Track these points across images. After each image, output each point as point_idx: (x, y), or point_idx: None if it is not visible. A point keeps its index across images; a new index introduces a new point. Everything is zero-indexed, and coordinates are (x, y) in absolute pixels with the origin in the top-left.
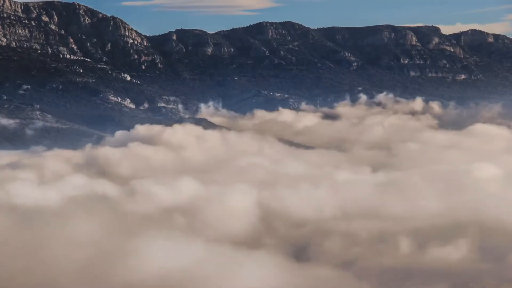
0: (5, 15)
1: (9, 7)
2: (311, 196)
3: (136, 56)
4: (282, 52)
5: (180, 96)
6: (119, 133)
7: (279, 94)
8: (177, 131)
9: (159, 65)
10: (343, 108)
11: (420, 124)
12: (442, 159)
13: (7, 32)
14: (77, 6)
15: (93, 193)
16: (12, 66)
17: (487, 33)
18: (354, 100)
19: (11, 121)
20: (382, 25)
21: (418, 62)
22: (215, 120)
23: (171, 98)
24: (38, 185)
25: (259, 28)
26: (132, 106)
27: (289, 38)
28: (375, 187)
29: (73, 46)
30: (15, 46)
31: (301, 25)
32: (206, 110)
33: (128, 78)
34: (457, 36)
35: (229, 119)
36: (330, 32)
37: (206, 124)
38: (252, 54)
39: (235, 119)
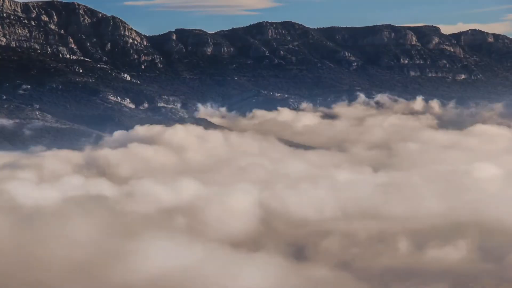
0: (4, 15)
1: (9, 7)
2: (311, 196)
3: (135, 56)
4: (282, 52)
5: (180, 96)
6: (119, 133)
7: (279, 94)
8: (177, 131)
9: (159, 65)
10: (343, 108)
11: (420, 124)
12: (442, 159)
13: (6, 32)
14: (76, 6)
15: (92, 194)
16: (11, 66)
17: (487, 33)
18: (354, 100)
19: (10, 121)
20: (382, 25)
21: (418, 62)
22: (215, 120)
23: (171, 98)
24: (37, 185)
25: (259, 28)
26: (132, 106)
27: (289, 38)
28: (375, 187)
29: (72, 46)
30: (14, 46)
31: (301, 25)
32: (205, 110)
33: (128, 78)
34: (457, 36)
35: (229, 119)
36: (330, 32)
37: (206, 124)
38: (252, 54)
39: (235, 119)
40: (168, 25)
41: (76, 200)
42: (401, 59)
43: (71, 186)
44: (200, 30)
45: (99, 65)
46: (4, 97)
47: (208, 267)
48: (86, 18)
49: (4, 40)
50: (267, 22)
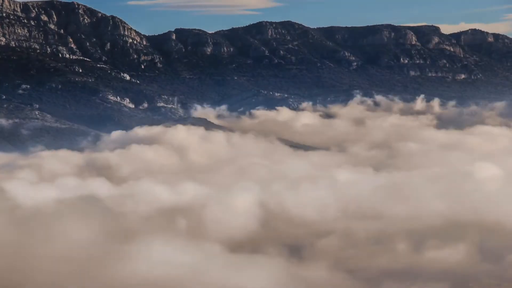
0: (4, 14)
1: (8, 7)
2: (311, 197)
3: (135, 56)
4: (281, 52)
5: (179, 95)
6: (118, 133)
7: (278, 94)
8: (177, 131)
9: (159, 64)
10: (342, 107)
11: (420, 124)
12: (442, 159)
13: (6, 32)
14: (76, 6)
15: (91, 194)
16: (11, 65)
17: (487, 33)
18: (353, 100)
19: (10, 121)
20: (382, 25)
21: (418, 61)
22: (215, 120)
23: (171, 98)
24: (36, 186)
25: (258, 28)
26: (132, 105)
27: (288, 37)
28: (376, 188)
29: (72, 45)
30: (14, 45)
31: (301, 24)
32: (205, 110)
33: (128, 77)
34: (457, 36)
35: (228, 118)
36: (329, 32)
37: (206, 124)
38: (252, 53)
39: (234, 118)
40: (167, 25)
41: (75, 201)
42: (401, 59)
43: (70, 186)
44: (199, 30)
45: (98, 65)
46: (4, 97)
47: (208, 269)
48: (86, 18)
49: (4, 40)
50: (266, 22)
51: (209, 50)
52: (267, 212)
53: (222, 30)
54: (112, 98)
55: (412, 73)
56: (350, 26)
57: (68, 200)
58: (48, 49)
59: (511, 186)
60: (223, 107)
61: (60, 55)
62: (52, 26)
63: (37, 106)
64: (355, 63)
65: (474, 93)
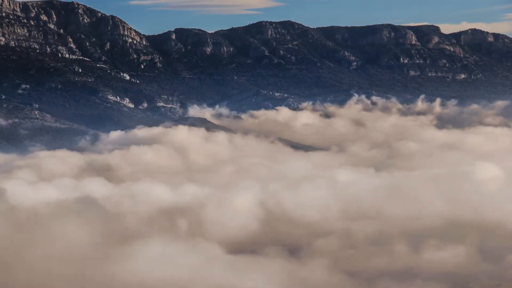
0: (3, 14)
1: (8, 6)
2: (311, 197)
3: (135, 56)
4: (281, 52)
5: (179, 95)
6: (118, 133)
7: (278, 94)
8: (176, 132)
9: (158, 64)
10: (342, 107)
11: (420, 123)
12: (442, 159)
13: (5, 32)
14: (76, 6)
15: (91, 194)
16: (11, 65)
17: (487, 33)
18: (353, 100)
19: (9, 121)
20: (382, 25)
21: (418, 61)
22: (214, 119)
23: (170, 98)
24: (35, 186)
25: (258, 28)
26: (131, 105)
27: (288, 37)
28: (376, 188)
29: (72, 45)
30: (14, 45)
31: (301, 24)
32: (205, 110)
33: (127, 77)
34: (457, 36)
35: (228, 118)
36: (329, 32)
37: (205, 124)
38: (252, 53)
39: (234, 118)
40: (167, 24)
41: (74, 201)
42: (401, 59)
43: (69, 186)
44: (199, 30)
45: (98, 65)
46: (3, 96)
47: (208, 270)
48: (86, 17)
49: (3, 39)
50: (266, 21)
51: (209, 50)
52: (267, 212)
53: (222, 30)
54: (111, 98)
55: (412, 73)
56: (350, 26)
57: (67, 201)
58: (48, 49)
59: (511, 187)
60: (223, 107)
61: (59, 55)
62: (52, 26)
63: (37, 106)
64: (355, 63)
65: (474, 93)
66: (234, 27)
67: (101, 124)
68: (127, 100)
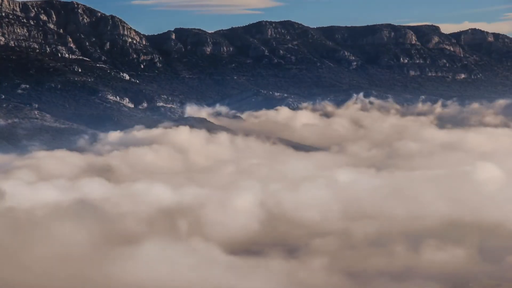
0: (3, 14)
1: (8, 6)
2: (311, 197)
3: (135, 55)
4: (281, 51)
5: (179, 95)
6: (118, 133)
7: (278, 94)
8: (176, 132)
9: (158, 64)
10: (342, 107)
11: (420, 123)
12: (442, 159)
13: (5, 31)
14: (75, 5)
15: (90, 195)
16: (10, 65)
17: (487, 32)
18: (353, 100)
19: (9, 121)
20: (382, 24)
21: (418, 61)
22: (214, 119)
23: (170, 98)
24: (34, 186)
25: (258, 27)
26: (131, 105)
27: (288, 37)
28: (376, 188)
29: (71, 45)
30: (13, 45)
31: (301, 24)
32: (205, 110)
33: (127, 77)
34: (457, 35)
35: (228, 118)
36: (329, 31)
37: (205, 124)
38: (251, 53)
39: (234, 118)
40: (167, 24)
41: (73, 202)
42: (401, 59)
43: (68, 187)
44: (199, 30)
45: (98, 65)
46: (3, 96)
47: (207, 271)
48: (85, 17)
49: (3, 39)
50: (266, 21)
51: (208, 49)
52: (267, 212)
53: (222, 30)
54: (111, 97)
55: (412, 72)
56: (350, 25)
57: (66, 201)
58: (48, 49)
59: (510, 187)
60: (223, 106)
61: (59, 54)
62: (52, 26)
63: (36, 105)
64: (355, 63)
65: (474, 93)
66: (234, 27)
67: (100, 124)
68: (127, 100)
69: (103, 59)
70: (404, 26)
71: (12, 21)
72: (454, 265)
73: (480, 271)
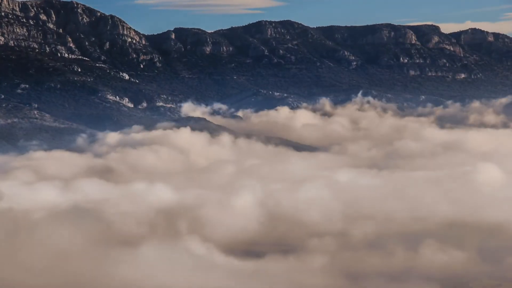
0: (3, 13)
1: (7, 6)
2: (311, 197)
3: (134, 55)
4: (281, 51)
5: (178, 95)
6: (117, 133)
7: (278, 93)
8: (176, 132)
9: (158, 64)
10: (342, 107)
11: (420, 123)
12: (442, 159)
13: (5, 31)
14: (75, 5)
15: (88, 195)
16: (10, 65)
17: (487, 32)
18: (353, 99)
19: (8, 120)
20: (382, 24)
21: (417, 61)
22: (214, 119)
23: (170, 97)
24: (33, 186)
25: (258, 27)
26: (131, 105)
27: (288, 37)
28: (376, 188)
29: (71, 45)
30: (13, 45)
31: (300, 24)
32: (204, 109)
33: (127, 77)
34: (457, 35)
35: (227, 118)
36: (329, 31)
37: (205, 124)
38: (251, 53)
39: (234, 118)
40: (167, 24)
41: (72, 202)
42: (401, 58)
43: (67, 187)
44: (199, 29)
45: (97, 64)
46: (2, 96)
47: (207, 273)
48: (85, 17)
49: (3, 39)
50: (266, 21)
51: (208, 49)
52: (267, 212)
53: (222, 30)
54: (111, 97)
55: (412, 72)
56: (349, 25)
57: (65, 202)
58: (47, 49)
59: (510, 187)
60: (222, 106)
61: (59, 54)
62: (51, 26)
63: (36, 105)
64: (354, 63)
65: (474, 93)
66: (233, 26)
67: (100, 124)
68: (127, 99)
69: (102, 58)
70: (404, 26)
71: (12, 21)
72: (454, 266)
73: (480, 271)
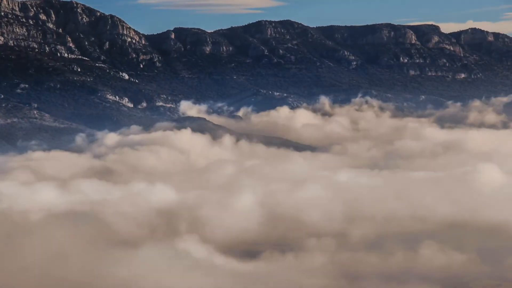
0: (2, 13)
1: (7, 6)
2: (311, 197)
3: (134, 55)
4: (281, 51)
5: (178, 95)
6: (117, 133)
7: (278, 93)
8: (175, 132)
9: (157, 64)
10: (342, 107)
11: (420, 123)
12: (442, 159)
13: (4, 31)
14: (74, 5)
15: (88, 196)
16: (9, 65)
17: (487, 32)
18: (353, 99)
19: (8, 120)
20: (382, 24)
21: (417, 61)
22: (214, 119)
23: (169, 97)
24: (32, 187)
25: (258, 27)
26: (130, 105)
27: (288, 37)
28: (376, 188)
29: (70, 44)
30: (12, 44)
31: (300, 23)
32: (204, 109)
33: (126, 77)
34: (457, 35)
35: (227, 118)
36: (329, 31)
37: (204, 123)
38: (251, 53)
39: (233, 118)
40: (166, 23)
41: (71, 203)
42: (401, 58)
43: (66, 187)
44: (198, 29)
45: (97, 64)
46: (2, 96)
47: (207, 274)
48: (84, 17)
49: (2, 39)
50: (266, 20)
51: (208, 49)
52: (266, 213)
53: (221, 29)
54: (110, 97)
55: (412, 72)
56: (349, 25)
57: (64, 203)
58: (47, 48)
59: (510, 188)
60: (222, 106)
61: (58, 54)
62: (51, 25)
63: (36, 105)
64: (354, 62)
65: (474, 92)
66: (233, 26)
67: (99, 124)
68: (126, 99)
69: (102, 58)
70: (404, 26)
71: (11, 21)
72: (454, 267)
73: (480, 272)
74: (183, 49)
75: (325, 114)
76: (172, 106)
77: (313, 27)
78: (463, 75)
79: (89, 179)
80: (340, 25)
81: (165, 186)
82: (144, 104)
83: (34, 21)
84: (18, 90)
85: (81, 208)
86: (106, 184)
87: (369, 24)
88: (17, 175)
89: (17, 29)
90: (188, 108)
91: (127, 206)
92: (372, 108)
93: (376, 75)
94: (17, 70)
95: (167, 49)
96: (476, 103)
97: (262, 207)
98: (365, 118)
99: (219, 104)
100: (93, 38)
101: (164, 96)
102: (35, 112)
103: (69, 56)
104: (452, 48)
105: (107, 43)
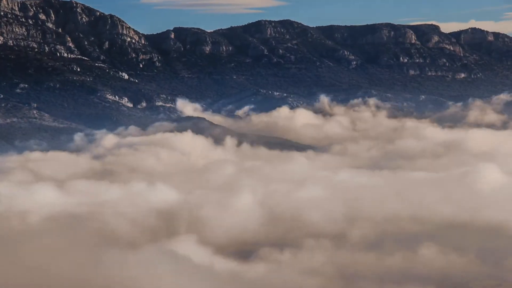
0: (2, 13)
1: (6, 5)
2: (311, 197)
3: (134, 55)
4: (280, 51)
5: (178, 95)
6: (117, 133)
7: (277, 93)
8: (175, 132)
9: (157, 63)
10: (342, 107)
11: (420, 123)
12: (442, 159)
13: (4, 31)
14: (74, 4)
15: (87, 196)
16: (9, 64)
17: (487, 32)
18: (353, 99)
19: (8, 120)
20: (381, 24)
21: (417, 60)
22: (213, 119)
23: (169, 97)
24: (31, 187)
25: (257, 27)
26: (130, 105)
27: (287, 36)
28: (376, 188)
29: (70, 44)
30: (12, 44)
31: (300, 23)
32: (204, 109)
33: (126, 76)
34: (457, 35)
35: (227, 118)
36: (329, 31)
37: (204, 123)
38: (251, 52)
39: (233, 118)
40: (166, 23)
41: (69, 203)
42: (401, 58)
43: (65, 187)
44: (198, 29)
45: (97, 64)
46: (1, 96)
47: (206, 275)
48: (84, 16)
49: (2, 38)
50: (265, 20)
51: (208, 49)
52: (266, 213)
53: (221, 29)
54: (110, 97)
55: (411, 72)
56: (349, 25)
57: (63, 203)
58: (46, 48)
59: (511, 187)
60: (222, 106)
61: (58, 54)
62: (50, 25)
63: (35, 105)
64: (354, 62)
65: (474, 92)
66: (233, 26)
67: (99, 124)
68: (126, 99)
69: (102, 58)
70: (403, 26)
71: (11, 20)
72: (454, 267)
73: (480, 272)
74: (182, 49)
75: (325, 114)
76: (172, 106)
77: (313, 27)
78: (463, 75)
79: (88, 179)
80: (340, 24)
81: (164, 186)
82: (144, 104)
83: (33, 21)
84: (18, 90)
85: (80, 209)
86: (105, 184)
87: (369, 24)
88: (16, 175)
89: (17, 29)
90: (187, 108)
91: (126, 206)
92: (371, 108)
93: (376, 75)
94: (17, 70)
95: (167, 49)
96: (476, 102)
97: (262, 207)
98: (365, 118)
99: (219, 104)
100: (92, 38)
101: (163, 96)
102: (35, 112)
103: (69, 56)
104: (452, 48)
105: (106, 43)
